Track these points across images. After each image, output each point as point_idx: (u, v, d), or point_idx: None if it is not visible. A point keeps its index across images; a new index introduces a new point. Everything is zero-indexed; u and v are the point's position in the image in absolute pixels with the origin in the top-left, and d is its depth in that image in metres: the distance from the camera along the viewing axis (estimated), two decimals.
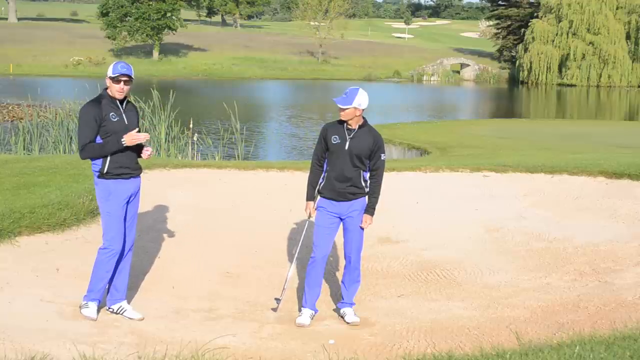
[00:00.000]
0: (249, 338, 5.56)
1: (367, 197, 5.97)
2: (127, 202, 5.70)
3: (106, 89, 5.60)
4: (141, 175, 5.87)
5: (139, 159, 5.84)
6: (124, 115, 5.58)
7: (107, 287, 5.79)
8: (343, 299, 6.12)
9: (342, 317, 6.07)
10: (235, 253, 7.52)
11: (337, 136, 5.86)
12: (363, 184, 5.94)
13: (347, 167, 5.84)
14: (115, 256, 5.64)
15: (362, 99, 5.75)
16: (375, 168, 5.92)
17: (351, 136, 5.82)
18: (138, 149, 5.73)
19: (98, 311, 5.66)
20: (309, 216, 6.14)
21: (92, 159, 5.56)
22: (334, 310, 6.30)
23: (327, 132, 5.91)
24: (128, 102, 5.69)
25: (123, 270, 5.82)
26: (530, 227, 8.33)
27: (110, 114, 5.50)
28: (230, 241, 7.83)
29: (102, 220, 5.69)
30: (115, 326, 5.54)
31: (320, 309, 6.22)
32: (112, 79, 5.49)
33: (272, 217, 8.50)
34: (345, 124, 5.85)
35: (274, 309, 6.14)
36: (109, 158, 5.53)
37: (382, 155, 5.91)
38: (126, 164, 5.61)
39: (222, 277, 6.93)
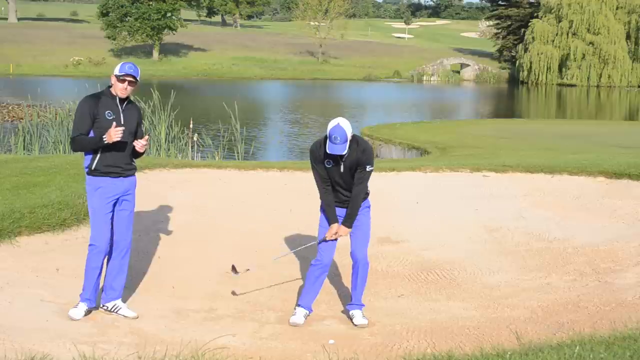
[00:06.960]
0: (249, 338, 5.56)
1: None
2: (117, 201, 5.68)
3: (110, 86, 5.65)
4: (135, 175, 5.84)
5: (137, 158, 5.85)
6: (121, 114, 5.60)
7: (101, 285, 5.78)
8: (352, 300, 6.08)
9: (350, 318, 6.05)
10: (235, 253, 7.51)
11: (330, 160, 5.75)
12: None
13: (346, 180, 5.81)
14: (101, 253, 5.63)
15: (350, 131, 5.61)
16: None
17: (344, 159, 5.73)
18: (133, 147, 5.72)
19: (86, 313, 5.64)
20: (333, 237, 5.89)
21: (81, 151, 5.61)
22: (335, 310, 6.29)
23: (322, 157, 5.73)
24: (129, 101, 5.72)
25: (121, 270, 5.81)
26: (530, 227, 8.33)
27: (106, 111, 5.53)
28: (230, 241, 7.82)
29: (89, 217, 5.71)
30: (115, 326, 5.54)
31: (320, 309, 6.22)
32: (117, 77, 5.55)
33: (272, 217, 8.50)
34: None
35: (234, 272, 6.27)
36: (98, 155, 5.56)
37: (368, 166, 5.76)
38: (116, 162, 5.61)
39: (222, 277, 6.92)
